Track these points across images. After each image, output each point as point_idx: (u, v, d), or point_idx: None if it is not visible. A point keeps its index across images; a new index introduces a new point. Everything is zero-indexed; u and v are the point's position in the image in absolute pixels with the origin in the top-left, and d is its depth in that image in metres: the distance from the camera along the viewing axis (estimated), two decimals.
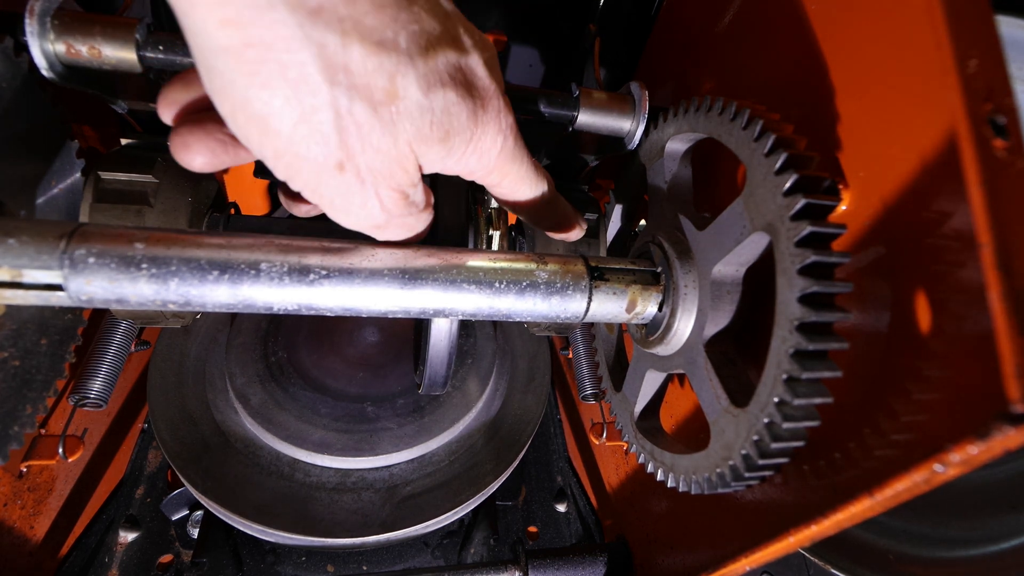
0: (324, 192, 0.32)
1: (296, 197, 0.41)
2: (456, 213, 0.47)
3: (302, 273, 0.35)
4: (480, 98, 0.34)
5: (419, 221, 0.38)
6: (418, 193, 0.36)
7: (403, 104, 0.30)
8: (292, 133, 0.28)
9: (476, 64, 0.33)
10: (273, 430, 0.74)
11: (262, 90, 0.27)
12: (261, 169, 0.80)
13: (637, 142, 0.56)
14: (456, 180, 0.48)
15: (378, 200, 0.33)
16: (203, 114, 0.35)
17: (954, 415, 0.29)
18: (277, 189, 0.44)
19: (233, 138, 0.35)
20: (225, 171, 0.89)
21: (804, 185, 0.34)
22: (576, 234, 0.49)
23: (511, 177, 0.40)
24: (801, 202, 0.33)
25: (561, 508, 1.00)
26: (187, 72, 0.35)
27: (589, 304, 0.41)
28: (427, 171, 0.35)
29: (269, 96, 0.27)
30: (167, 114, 0.35)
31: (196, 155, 0.34)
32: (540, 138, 0.66)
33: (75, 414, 0.75)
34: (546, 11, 0.80)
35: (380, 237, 0.37)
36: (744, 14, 0.54)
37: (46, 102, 0.49)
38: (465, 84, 0.32)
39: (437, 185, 0.49)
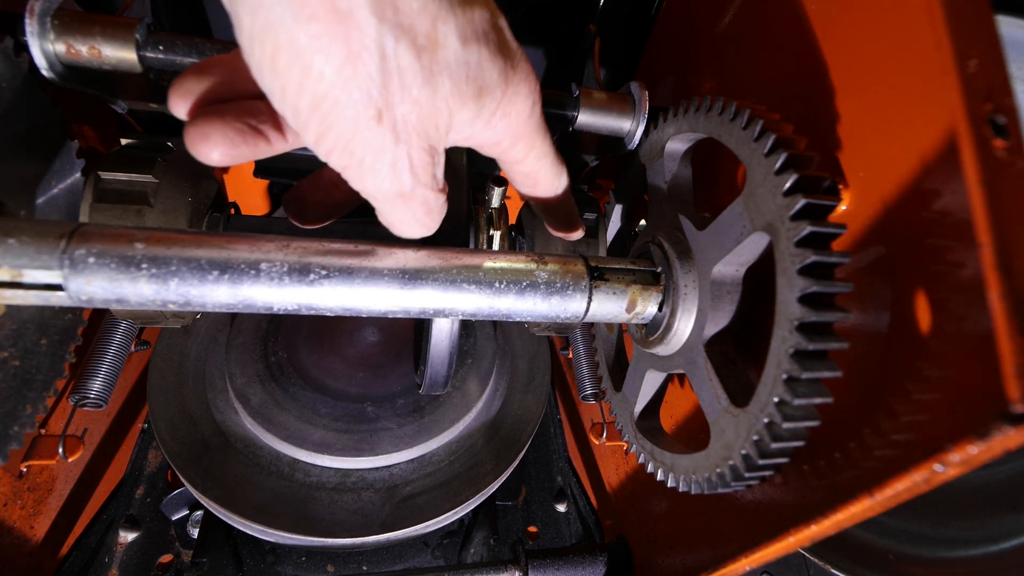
0: (356, 148, 0.30)
1: (309, 190, 0.39)
2: (456, 213, 0.47)
3: (302, 273, 0.35)
4: (510, 58, 0.33)
5: (436, 202, 0.36)
6: (440, 166, 0.35)
7: (443, 54, 0.29)
8: (336, 75, 0.27)
9: (506, 26, 0.33)
10: (273, 430, 0.74)
11: (310, 23, 0.26)
12: (261, 169, 0.81)
13: (637, 142, 0.56)
14: (457, 180, 0.48)
15: (408, 160, 0.32)
16: (219, 105, 0.34)
17: (954, 415, 0.29)
18: (282, 203, 0.44)
19: (253, 128, 0.35)
20: (225, 170, 0.89)
21: (804, 185, 0.34)
22: (578, 234, 0.49)
23: (536, 152, 0.39)
24: (801, 202, 0.33)
25: (561, 508, 1.00)
26: (201, 63, 0.35)
27: (589, 304, 0.41)
28: (455, 136, 0.34)
29: (318, 30, 0.26)
30: (181, 105, 0.34)
31: (215, 146, 0.33)
32: None
33: (75, 414, 0.75)
34: (546, 11, 0.80)
35: (398, 214, 0.35)
36: (744, 14, 0.54)
37: (46, 102, 0.49)
38: (497, 43, 0.32)
39: None
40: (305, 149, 0.38)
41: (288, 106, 0.29)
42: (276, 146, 0.37)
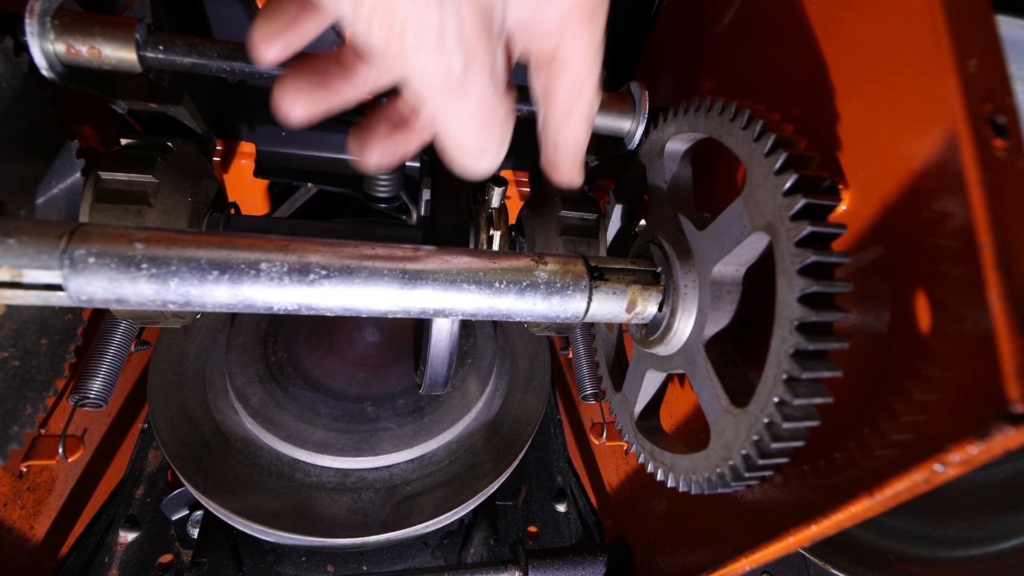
0: (397, 13, 0.26)
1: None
2: (456, 213, 0.47)
3: (302, 273, 0.35)
4: None
5: (498, 106, 0.31)
6: (500, 55, 0.30)
7: None
8: None
9: None
10: (273, 430, 0.74)
11: None
12: (261, 169, 0.80)
13: (637, 142, 0.56)
14: (457, 180, 0.48)
15: (458, 28, 0.27)
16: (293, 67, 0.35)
17: (954, 415, 0.29)
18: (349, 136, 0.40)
19: (326, 85, 0.35)
20: (226, 171, 0.89)
21: (804, 185, 0.34)
22: (579, 181, 0.43)
23: (581, 50, 0.34)
24: (801, 202, 0.33)
25: (561, 508, 1.00)
26: (264, 8, 0.35)
27: (589, 304, 0.41)
28: (514, 11, 0.30)
29: None
30: (266, 48, 0.34)
31: (299, 108, 0.34)
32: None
33: (75, 414, 0.75)
34: None
35: (451, 115, 0.30)
36: (744, 14, 0.54)
37: (46, 102, 0.49)
38: None
39: (437, 183, 0.49)
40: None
41: None
42: (345, 96, 0.37)
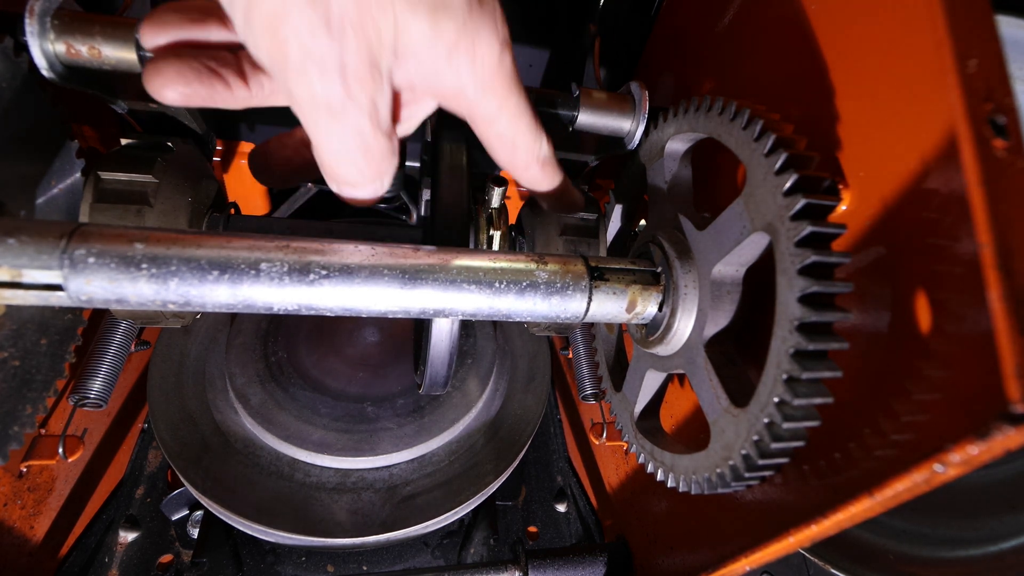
0: (283, 31, 0.27)
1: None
2: (456, 213, 0.47)
3: (302, 273, 0.35)
4: None
5: (378, 143, 0.31)
6: (384, 97, 0.30)
7: None
8: None
9: None
10: (273, 430, 0.74)
11: None
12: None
13: (637, 142, 0.56)
14: (457, 178, 0.48)
15: (340, 63, 0.28)
16: (183, 48, 0.33)
17: (954, 415, 0.29)
18: (248, 160, 0.40)
19: (211, 70, 0.33)
20: (226, 171, 0.89)
21: (804, 185, 0.34)
22: (579, 205, 0.43)
23: (510, 109, 0.35)
24: (801, 202, 0.33)
25: (561, 508, 1.00)
26: (178, 2, 0.34)
27: (589, 304, 0.41)
28: (408, 63, 0.31)
29: None
30: (152, 36, 0.33)
31: (167, 82, 0.32)
32: None
33: (75, 414, 0.75)
34: (546, 11, 0.80)
35: (324, 133, 0.31)
36: (744, 14, 0.54)
37: (46, 102, 0.49)
38: None
39: (437, 183, 0.49)
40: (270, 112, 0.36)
41: None
42: (237, 94, 0.35)
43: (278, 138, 0.41)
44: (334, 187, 0.34)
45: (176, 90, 0.32)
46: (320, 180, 0.37)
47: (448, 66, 0.31)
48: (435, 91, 0.34)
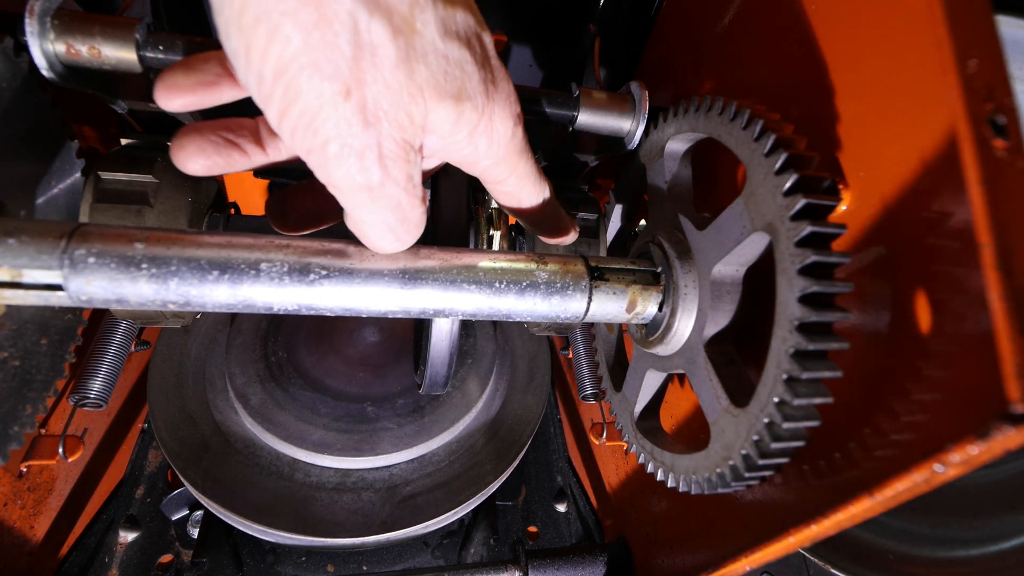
0: (320, 127, 0.28)
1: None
2: (456, 213, 0.47)
3: (302, 273, 0.35)
4: (492, 73, 0.33)
5: (412, 209, 0.33)
6: (417, 168, 0.33)
7: (419, 41, 0.28)
8: (304, 41, 0.26)
9: (490, 43, 0.33)
10: (273, 430, 0.74)
11: None
12: (261, 169, 0.80)
13: (637, 142, 0.56)
14: (457, 179, 0.48)
15: (378, 149, 0.29)
16: (202, 122, 0.35)
17: (954, 415, 0.29)
18: (265, 207, 0.43)
19: (228, 141, 0.35)
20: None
21: (804, 185, 0.34)
22: (571, 238, 0.48)
23: (518, 173, 0.39)
24: (801, 202, 0.33)
25: (561, 508, 1.00)
26: (189, 58, 0.35)
27: (589, 304, 0.41)
28: (433, 140, 0.33)
29: None
30: (164, 99, 0.34)
31: (189, 157, 0.34)
32: (540, 138, 0.66)
33: (75, 414, 0.75)
34: (546, 11, 0.80)
35: (366, 213, 0.32)
36: (744, 14, 0.54)
37: (46, 102, 0.49)
38: (480, 53, 0.32)
39: (438, 183, 0.49)
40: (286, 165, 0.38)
41: (253, 72, 0.27)
42: (254, 159, 0.37)
43: (298, 186, 0.43)
44: (368, 247, 0.37)
45: (198, 163, 0.35)
46: (340, 225, 0.39)
47: (468, 143, 0.34)
48: (452, 159, 0.37)
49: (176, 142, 0.35)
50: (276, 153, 0.38)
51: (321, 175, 0.31)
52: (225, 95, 0.35)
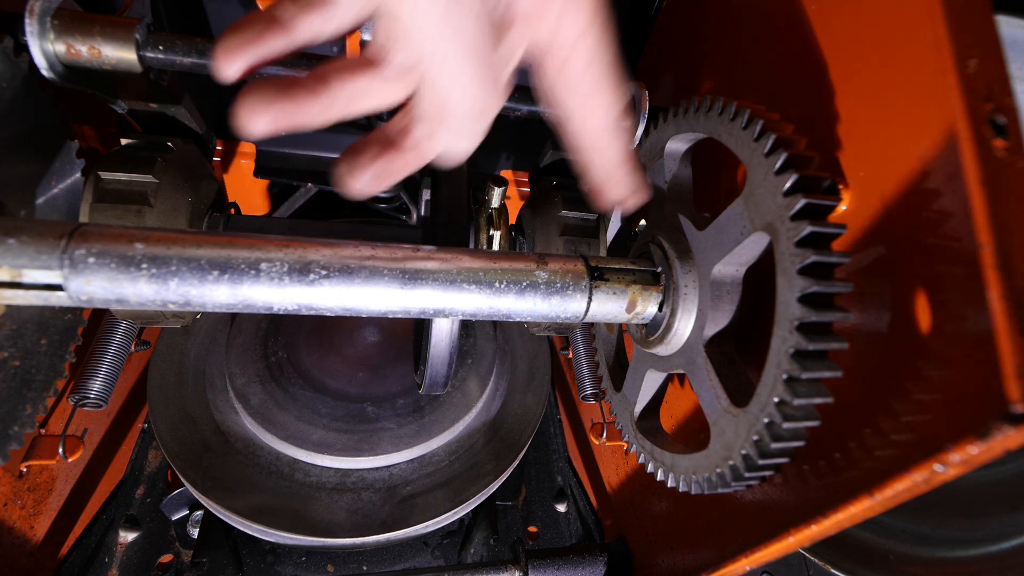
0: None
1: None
2: (456, 213, 0.47)
3: (302, 273, 0.35)
4: None
5: (491, 52, 0.33)
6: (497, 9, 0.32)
7: None
8: None
9: None
10: (273, 430, 0.74)
11: None
12: (261, 169, 0.80)
13: (637, 142, 0.56)
14: (457, 180, 0.48)
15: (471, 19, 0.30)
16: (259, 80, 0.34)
17: (954, 415, 0.29)
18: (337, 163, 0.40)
19: (289, 80, 0.34)
20: (226, 171, 0.89)
21: (804, 185, 0.34)
22: (636, 199, 0.42)
23: (597, 65, 0.35)
24: (801, 202, 0.33)
25: (561, 508, 0.99)
26: (239, 21, 0.33)
27: (589, 304, 0.41)
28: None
29: None
30: (229, 65, 0.33)
31: (255, 109, 0.33)
32: (540, 138, 0.66)
33: (75, 414, 0.75)
34: None
35: (446, 46, 0.31)
36: (744, 14, 0.54)
37: (46, 102, 0.49)
38: None
39: (438, 183, 0.49)
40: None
41: None
42: (320, 98, 0.35)
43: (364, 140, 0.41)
44: (452, 130, 0.35)
45: (264, 117, 0.33)
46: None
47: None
48: (530, 21, 0.34)
49: (239, 100, 0.33)
50: (334, 102, 0.36)
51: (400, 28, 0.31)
52: (278, 45, 0.33)
